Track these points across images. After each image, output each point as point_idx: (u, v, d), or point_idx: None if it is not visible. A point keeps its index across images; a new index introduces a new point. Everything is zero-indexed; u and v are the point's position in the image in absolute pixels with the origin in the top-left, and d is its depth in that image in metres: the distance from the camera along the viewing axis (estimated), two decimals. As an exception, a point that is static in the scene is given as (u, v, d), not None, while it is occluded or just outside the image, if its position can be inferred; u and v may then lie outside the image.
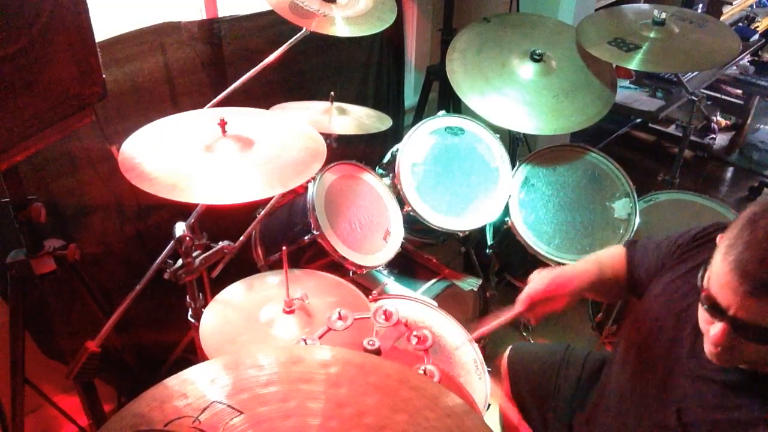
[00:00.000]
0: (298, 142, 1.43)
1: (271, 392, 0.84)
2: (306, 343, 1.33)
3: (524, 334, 2.41)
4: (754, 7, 3.73)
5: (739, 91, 3.75)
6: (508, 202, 2.08)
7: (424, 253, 2.24)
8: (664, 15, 2.10)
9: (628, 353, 1.25)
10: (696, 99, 2.33)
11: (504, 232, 2.11)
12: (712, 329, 0.97)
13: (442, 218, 2.03)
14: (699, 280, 1.00)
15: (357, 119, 2.05)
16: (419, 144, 2.11)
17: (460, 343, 1.62)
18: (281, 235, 1.92)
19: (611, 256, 1.42)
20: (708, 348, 1.00)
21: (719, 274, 0.94)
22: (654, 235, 1.36)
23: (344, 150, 1.98)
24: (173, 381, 0.85)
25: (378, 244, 1.93)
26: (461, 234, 2.12)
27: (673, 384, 1.11)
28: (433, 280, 2.13)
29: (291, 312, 1.48)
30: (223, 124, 1.36)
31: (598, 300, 2.02)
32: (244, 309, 1.54)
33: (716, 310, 0.95)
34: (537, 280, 1.37)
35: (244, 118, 1.46)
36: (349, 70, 2.58)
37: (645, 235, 2.08)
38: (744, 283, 0.89)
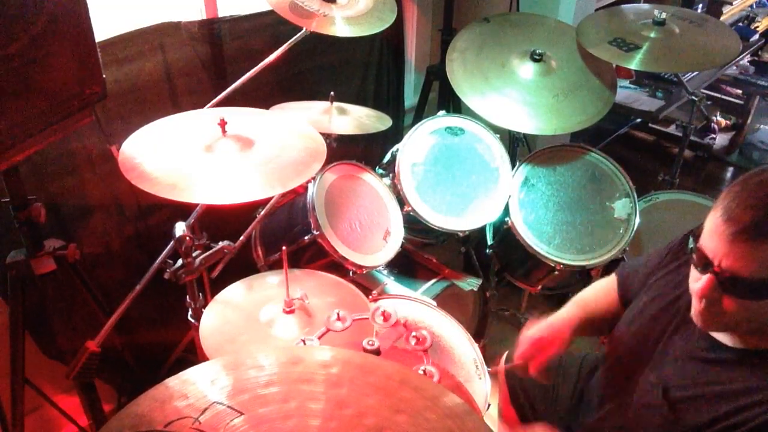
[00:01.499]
0: (298, 142, 1.43)
1: (271, 393, 0.84)
2: (305, 344, 1.33)
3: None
4: (754, 7, 3.73)
5: (739, 91, 3.75)
6: (508, 202, 2.08)
7: (424, 253, 2.24)
8: (664, 15, 2.10)
9: (620, 346, 1.28)
10: (696, 99, 2.33)
11: (504, 232, 2.11)
12: (698, 283, 0.99)
13: (442, 218, 2.03)
14: (691, 243, 1.03)
15: (357, 119, 2.05)
16: (419, 144, 2.11)
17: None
18: (281, 235, 1.92)
19: (595, 293, 1.44)
20: (694, 306, 1.03)
21: (709, 225, 0.98)
22: (650, 248, 1.38)
23: (344, 150, 1.98)
24: (173, 381, 0.85)
25: (378, 244, 1.92)
26: (461, 234, 2.12)
27: (660, 367, 1.15)
28: (433, 280, 2.13)
29: (291, 312, 1.48)
30: (223, 124, 1.36)
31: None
32: (244, 309, 1.54)
33: (704, 264, 0.98)
34: (527, 335, 1.38)
35: (244, 118, 1.46)
36: (349, 70, 2.58)
37: (645, 235, 2.08)
38: (730, 226, 0.93)
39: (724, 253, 0.94)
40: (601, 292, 1.43)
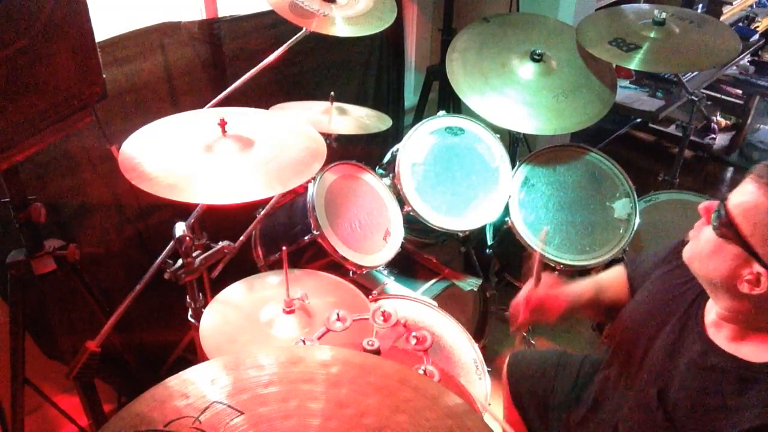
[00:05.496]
0: (298, 142, 1.43)
1: (271, 392, 0.84)
2: (305, 344, 1.33)
3: (525, 334, 2.41)
4: (754, 7, 3.73)
5: (739, 91, 3.75)
6: (508, 202, 2.08)
7: (424, 253, 2.23)
8: (664, 15, 2.10)
9: (619, 345, 1.28)
10: (696, 99, 2.33)
11: (504, 232, 2.11)
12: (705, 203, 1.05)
13: (442, 218, 2.03)
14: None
15: (357, 119, 2.05)
16: (419, 144, 2.11)
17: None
18: (281, 235, 1.92)
19: (611, 278, 1.46)
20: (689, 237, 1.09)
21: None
22: (650, 248, 1.39)
23: (344, 150, 1.98)
24: (173, 381, 0.85)
25: (378, 244, 1.92)
26: (461, 234, 2.12)
27: (656, 368, 1.15)
28: (433, 280, 2.13)
29: (291, 312, 1.48)
30: (223, 124, 1.36)
31: (598, 320, 2.06)
32: (244, 309, 1.54)
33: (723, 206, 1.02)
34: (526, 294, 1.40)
35: (244, 118, 1.46)
36: (349, 70, 2.58)
37: (645, 235, 2.08)
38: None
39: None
40: (618, 279, 1.45)
